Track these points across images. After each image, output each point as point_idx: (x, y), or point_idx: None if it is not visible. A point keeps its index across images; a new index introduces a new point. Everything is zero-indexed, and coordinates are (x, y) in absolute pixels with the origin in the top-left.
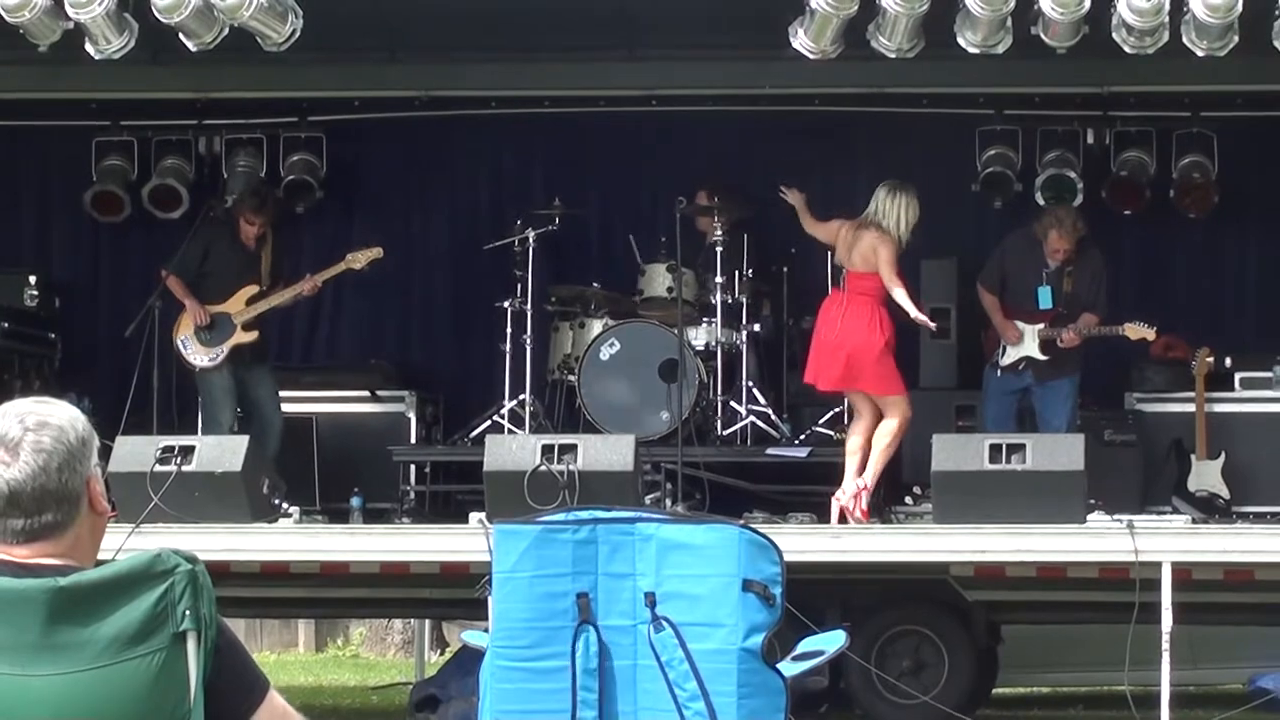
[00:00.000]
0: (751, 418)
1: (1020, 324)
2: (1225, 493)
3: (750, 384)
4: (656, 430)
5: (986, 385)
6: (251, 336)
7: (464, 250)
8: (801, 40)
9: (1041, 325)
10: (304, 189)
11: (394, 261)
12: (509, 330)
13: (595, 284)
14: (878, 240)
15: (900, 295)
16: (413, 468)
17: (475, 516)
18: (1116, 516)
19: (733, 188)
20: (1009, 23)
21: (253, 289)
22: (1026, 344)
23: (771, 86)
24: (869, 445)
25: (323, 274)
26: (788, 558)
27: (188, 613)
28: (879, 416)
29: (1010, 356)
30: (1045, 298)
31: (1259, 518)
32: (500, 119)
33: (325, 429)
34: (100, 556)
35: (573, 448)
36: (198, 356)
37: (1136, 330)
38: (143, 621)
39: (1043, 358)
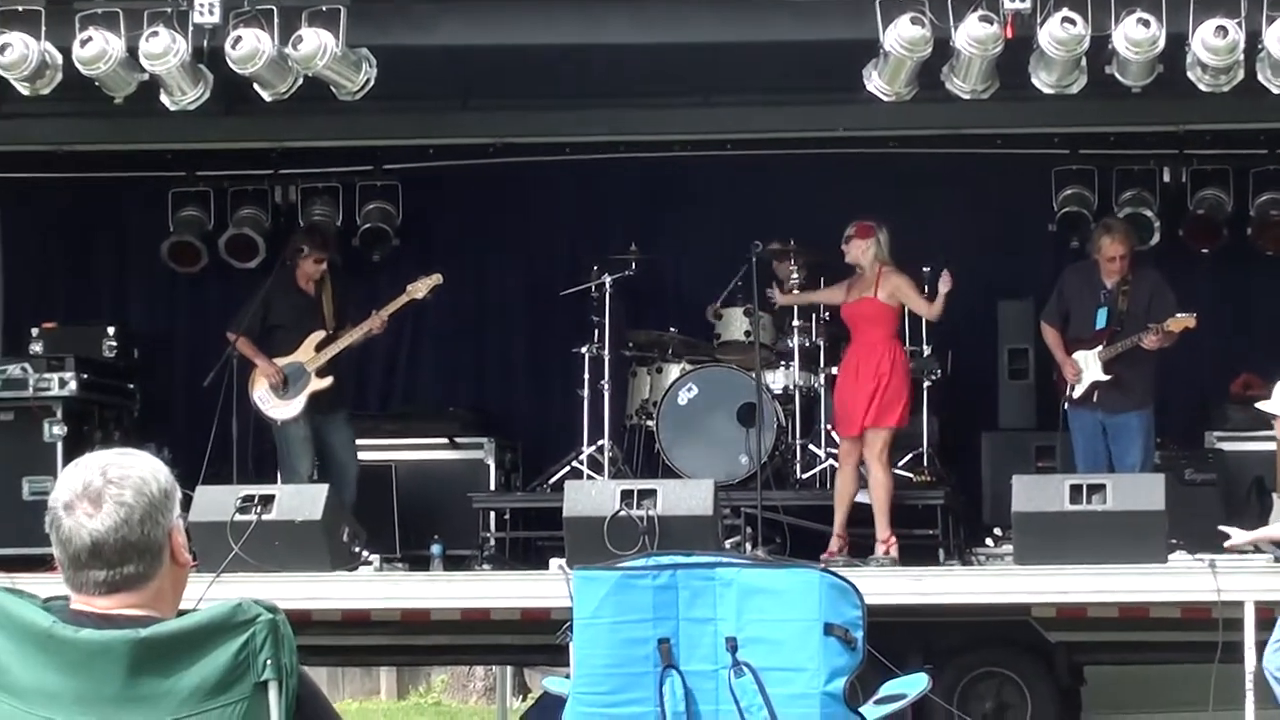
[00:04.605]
0: (830, 461)
1: (1080, 353)
2: None
3: (829, 427)
4: (735, 474)
5: (1069, 423)
6: (326, 382)
7: (541, 296)
8: (876, 83)
9: (1099, 347)
10: (380, 237)
11: (471, 308)
12: (587, 376)
13: (672, 329)
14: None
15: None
16: (492, 514)
17: (555, 562)
18: (1198, 556)
19: (809, 231)
20: (1083, 63)
21: (319, 335)
22: (1090, 369)
23: (846, 129)
24: None
25: (387, 308)
26: (868, 600)
27: (269, 662)
28: None
29: (1079, 388)
30: (1102, 317)
31: None
32: (575, 165)
33: (404, 476)
34: (181, 606)
35: (652, 493)
36: (277, 410)
37: (1178, 322)
38: (224, 671)
39: (1106, 377)
